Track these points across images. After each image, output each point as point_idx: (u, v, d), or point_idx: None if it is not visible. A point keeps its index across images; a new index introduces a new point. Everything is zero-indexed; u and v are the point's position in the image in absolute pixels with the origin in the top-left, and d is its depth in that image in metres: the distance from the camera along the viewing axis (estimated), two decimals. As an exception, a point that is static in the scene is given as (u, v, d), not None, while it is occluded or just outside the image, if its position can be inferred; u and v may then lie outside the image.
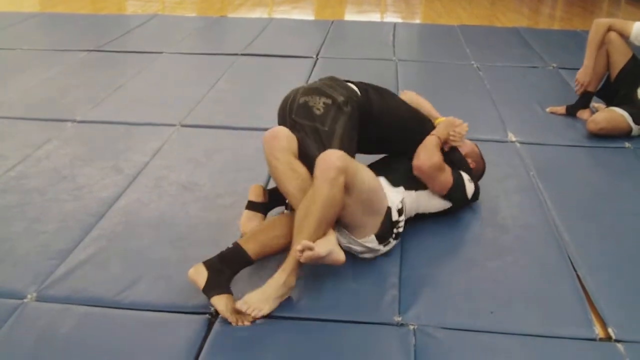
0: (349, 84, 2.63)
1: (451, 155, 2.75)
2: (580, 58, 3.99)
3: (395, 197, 2.49)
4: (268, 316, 2.13)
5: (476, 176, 2.86)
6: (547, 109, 4.04)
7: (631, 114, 3.65)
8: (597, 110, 3.91)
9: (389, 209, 2.42)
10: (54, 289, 2.27)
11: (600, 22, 3.84)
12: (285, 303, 2.20)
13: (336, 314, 2.16)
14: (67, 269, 2.38)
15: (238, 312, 2.12)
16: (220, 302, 2.13)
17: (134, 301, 2.21)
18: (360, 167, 2.33)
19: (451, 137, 2.73)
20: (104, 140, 3.55)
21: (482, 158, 2.93)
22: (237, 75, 4.74)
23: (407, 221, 2.57)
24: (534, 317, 2.18)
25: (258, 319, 2.12)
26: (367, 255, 2.47)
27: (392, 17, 7.38)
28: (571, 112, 3.99)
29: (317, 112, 2.45)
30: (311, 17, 7.34)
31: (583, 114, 3.95)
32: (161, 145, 3.48)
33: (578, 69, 4.68)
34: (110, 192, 2.96)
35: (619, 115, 3.66)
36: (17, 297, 2.22)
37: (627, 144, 3.58)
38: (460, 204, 2.74)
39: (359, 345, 2.03)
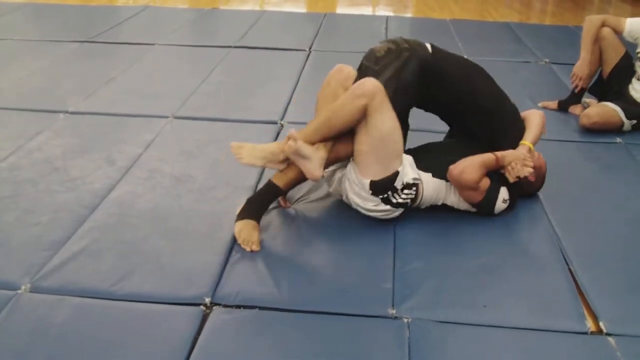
0: (427, 45, 2.66)
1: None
2: (572, 53, 4.01)
3: (410, 173, 2.57)
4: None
5: (527, 191, 2.86)
6: (540, 104, 4.06)
7: (623, 109, 3.67)
8: (588, 106, 3.93)
9: (396, 173, 2.52)
10: (48, 281, 2.26)
11: (594, 18, 3.85)
12: (279, 295, 2.21)
13: (330, 307, 2.17)
14: (61, 260, 2.37)
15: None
16: (238, 224, 2.51)
17: (128, 292, 2.21)
18: (389, 111, 2.48)
19: (509, 168, 2.64)
20: (96, 132, 3.53)
21: (543, 177, 2.89)
22: (230, 68, 4.73)
23: (430, 207, 2.71)
24: (526, 310, 2.20)
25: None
26: (361, 209, 2.62)
27: (384, 11, 7.37)
28: (563, 107, 4.00)
29: (378, 54, 2.60)
30: (303, 10, 7.33)
31: (575, 109, 3.97)
32: (154, 137, 3.47)
33: (570, 64, 4.70)
34: (103, 183, 2.95)
35: (612, 109, 3.68)
36: (11, 288, 2.21)
37: (618, 139, 3.60)
38: (483, 214, 2.73)
39: (353, 338, 2.04)
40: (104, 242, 2.50)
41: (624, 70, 3.80)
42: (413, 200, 2.63)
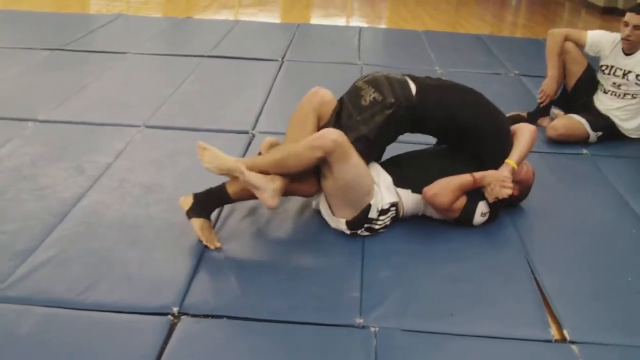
0: (411, 85, 2.65)
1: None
2: (542, 66, 4.06)
3: (386, 197, 2.60)
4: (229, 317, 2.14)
5: (510, 202, 2.87)
6: (508, 115, 4.09)
7: (589, 121, 3.73)
8: (556, 117, 3.99)
9: (368, 206, 2.54)
10: (14, 290, 2.24)
11: (556, 32, 3.91)
12: (248, 304, 2.22)
13: (297, 316, 2.18)
14: (28, 269, 2.35)
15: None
16: (197, 223, 2.54)
17: (95, 302, 2.19)
18: (352, 159, 2.49)
19: (488, 189, 2.66)
20: (66, 141, 3.51)
21: (529, 189, 2.92)
22: (202, 77, 4.73)
23: (412, 218, 2.76)
24: (492, 319, 2.23)
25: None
26: (340, 228, 2.64)
27: (357, 22, 7.43)
28: (532, 119, 4.06)
29: (363, 103, 2.61)
30: (277, 20, 7.36)
31: (543, 121, 4.03)
32: (125, 146, 3.46)
33: (539, 76, 4.78)
34: (72, 192, 2.93)
35: (577, 122, 3.74)
36: (-24, 298, 2.19)
37: (584, 151, 3.67)
38: (462, 225, 2.75)
39: (320, 347, 2.05)
40: (71, 252, 2.48)
41: (587, 83, 3.88)
42: (395, 217, 2.68)
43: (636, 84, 3.73)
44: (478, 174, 2.65)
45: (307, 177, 2.60)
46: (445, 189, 2.59)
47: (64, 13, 6.84)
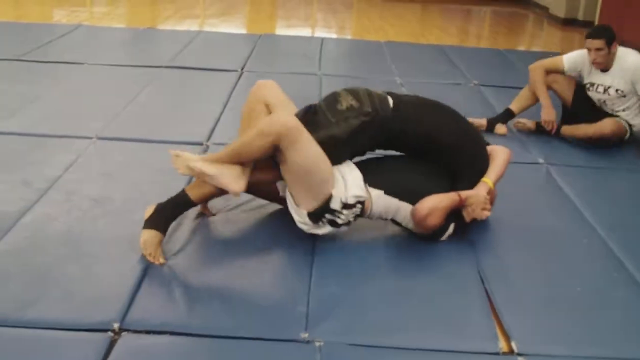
0: (390, 100, 2.65)
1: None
2: (501, 75, 4.11)
3: (353, 190, 2.53)
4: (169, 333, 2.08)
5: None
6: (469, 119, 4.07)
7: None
8: (524, 125, 4.08)
9: (330, 196, 2.49)
10: (-52, 308, 2.17)
11: (535, 66, 4.10)
12: (191, 319, 2.16)
13: (242, 331, 2.12)
14: (-36, 286, 2.28)
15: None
16: (145, 234, 2.47)
17: (32, 319, 2.11)
18: (307, 145, 2.44)
19: (469, 210, 2.62)
20: (14, 153, 3.42)
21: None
22: (159, 88, 4.68)
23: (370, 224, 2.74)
24: (441, 332, 2.19)
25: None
26: (303, 227, 2.57)
27: (322, 32, 7.42)
28: (491, 126, 4.06)
29: (339, 107, 2.59)
30: (242, 31, 7.32)
31: (500, 128, 4.04)
32: (75, 158, 3.38)
33: (498, 86, 4.84)
34: (17, 206, 2.84)
35: (618, 120, 3.89)
36: None
37: (540, 160, 3.67)
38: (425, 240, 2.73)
39: (263, 363, 2.00)
40: (11, 267, 2.40)
41: (582, 98, 4.05)
42: (361, 214, 2.62)
43: (618, 98, 3.86)
44: (464, 194, 2.61)
45: (266, 164, 2.58)
46: (438, 210, 2.54)
47: (22, 23, 6.74)
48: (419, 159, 2.80)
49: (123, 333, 2.08)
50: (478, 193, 2.63)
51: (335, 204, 2.52)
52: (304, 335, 2.10)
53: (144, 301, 2.24)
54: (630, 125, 3.92)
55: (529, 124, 4.13)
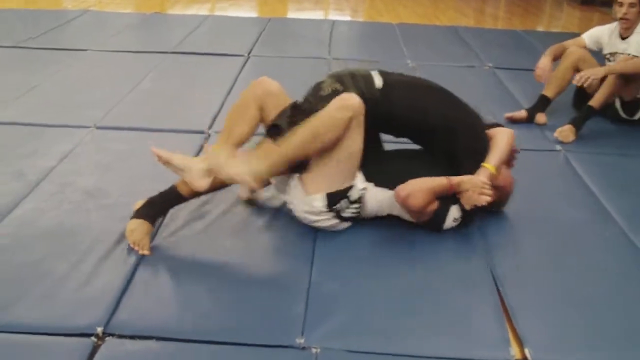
0: (376, 80, 2.55)
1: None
2: (517, 57, 3.92)
3: (359, 185, 2.49)
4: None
5: (487, 209, 2.64)
6: (506, 115, 3.87)
7: None
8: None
9: (350, 187, 2.46)
10: None
11: (553, 46, 3.98)
12: (180, 323, 2.02)
13: (232, 336, 1.97)
14: (-57, 287, 2.15)
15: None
16: (132, 223, 2.40)
17: (10, 323, 1.98)
18: (360, 133, 2.40)
19: (465, 195, 2.48)
20: (9, 143, 3.31)
21: (508, 196, 2.75)
22: (163, 75, 4.54)
23: (377, 218, 2.62)
24: (448, 337, 2.03)
25: None
26: (307, 217, 2.51)
27: (334, 15, 7.24)
28: (531, 114, 3.87)
29: (322, 94, 2.51)
30: (253, 15, 7.15)
31: (540, 117, 3.85)
32: (72, 148, 3.25)
33: (514, 69, 4.65)
34: (7, 199, 2.72)
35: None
36: None
37: (558, 147, 3.49)
38: (430, 230, 2.58)
39: (256, 371, 1.86)
40: (-7, 266, 2.28)
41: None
42: (360, 211, 2.55)
43: None
44: (455, 179, 2.47)
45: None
46: (420, 191, 2.40)
47: (29, 9, 6.63)
48: (417, 144, 2.72)
49: (107, 338, 1.95)
50: (472, 178, 2.48)
51: (353, 194, 2.46)
52: (300, 341, 1.95)
53: (131, 303, 2.10)
54: None
55: (521, 114, 3.89)
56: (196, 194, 2.50)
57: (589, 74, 3.57)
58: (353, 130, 2.36)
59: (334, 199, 2.45)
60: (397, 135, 2.73)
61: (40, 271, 2.25)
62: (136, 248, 2.36)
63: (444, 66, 4.86)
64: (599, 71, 3.61)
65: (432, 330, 2.06)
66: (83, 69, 4.62)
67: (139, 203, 2.47)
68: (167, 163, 2.40)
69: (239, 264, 2.39)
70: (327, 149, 2.38)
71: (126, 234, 2.39)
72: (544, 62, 3.85)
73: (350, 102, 2.34)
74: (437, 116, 2.58)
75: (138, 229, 2.39)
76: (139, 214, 2.43)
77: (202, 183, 2.38)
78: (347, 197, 2.46)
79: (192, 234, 2.53)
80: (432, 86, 2.69)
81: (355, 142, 2.39)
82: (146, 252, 2.35)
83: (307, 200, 2.47)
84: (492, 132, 2.68)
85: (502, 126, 2.80)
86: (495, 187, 2.55)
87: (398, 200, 2.44)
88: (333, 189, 2.44)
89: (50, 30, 5.64)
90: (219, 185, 2.49)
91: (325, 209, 2.46)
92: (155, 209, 2.47)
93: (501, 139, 2.63)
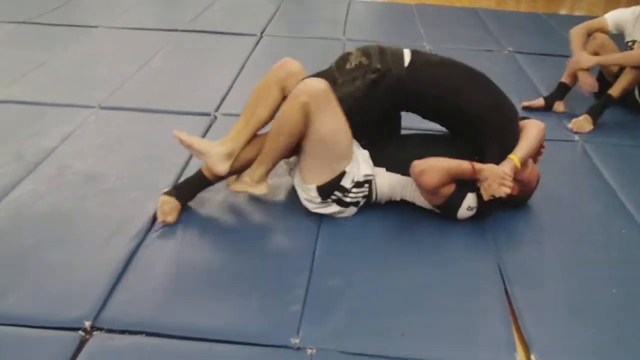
0: (406, 56, 2.45)
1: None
2: (538, 42, 3.75)
3: (363, 169, 2.42)
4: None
5: (507, 203, 2.55)
6: (522, 104, 3.73)
7: None
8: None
9: (343, 172, 2.38)
10: None
11: (576, 28, 3.74)
12: (172, 318, 1.94)
13: (225, 334, 1.90)
14: None
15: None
16: (164, 198, 2.44)
17: (-3, 314, 1.92)
18: (333, 113, 2.33)
19: (485, 184, 2.35)
20: (11, 123, 3.23)
21: (532, 191, 2.64)
22: (173, 54, 4.42)
23: (390, 203, 2.56)
24: (450, 340, 1.94)
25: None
26: (308, 205, 2.49)
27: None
28: (549, 103, 3.72)
29: (348, 66, 2.44)
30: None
31: (559, 106, 3.71)
32: (74, 129, 3.17)
33: (535, 54, 4.49)
34: (5, 181, 2.66)
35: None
36: None
37: (576, 137, 3.36)
38: (445, 217, 2.49)
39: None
40: (-16, 253, 2.21)
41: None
42: (368, 197, 2.47)
43: None
44: (478, 165, 2.35)
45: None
46: (435, 169, 2.30)
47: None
48: (444, 126, 2.63)
49: (95, 332, 1.88)
50: (494, 167, 2.36)
51: (346, 182, 2.39)
52: (295, 341, 1.87)
53: (122, 295, 2.03)
54: None
55: (539, 102, 3.74)
56: (220, 177, 2.50)
57: (577, 66, 3.56)
58: (316, 114, 2.29)
59: (326, 191, 2.41)
60: (424, 115, 2.59)
61: (32, 259, 2.19)
62: (163, 218, 2.41)
63: (461, 49, 4.70)
64: (589, 60, 3.53)
65: (433, 332, 1.97)
66: (92, 46, 4.52)
67: (163, 197, 2.48)
68: (189, 147, 2.43)
69: (236, 258, 2.30)
70: (305, 139, 2.36)
71: (157, 205, 2.43)
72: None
73: (305, 86, 2.31)
74: (467, 101, 2.44)
75: (170, 203, 2.43)
76: (172, 193, 2.47)
77: (222, 167, 2.42)
78: (340, 187, 2.40)
79: (185, 230, 2.43)
80: (466, 69, 2.54)
81: (324, 125, 2.32)
82: (170, 220, 2.42)
83: (305, 189, 2.45)
84: (522, 123, 2.56)
85: (532, 119, 2.66)
86: (518, 180, 2.43)
87: (412, 175, 2.35)
88: (322, 180, 2.40)
89: (62, 6, 5.54)
90: (238, 168, 2.49)
91: (319, 198, 2.44)
92: (186, 192, 2.50)
93: (532, 131, 2.51)
